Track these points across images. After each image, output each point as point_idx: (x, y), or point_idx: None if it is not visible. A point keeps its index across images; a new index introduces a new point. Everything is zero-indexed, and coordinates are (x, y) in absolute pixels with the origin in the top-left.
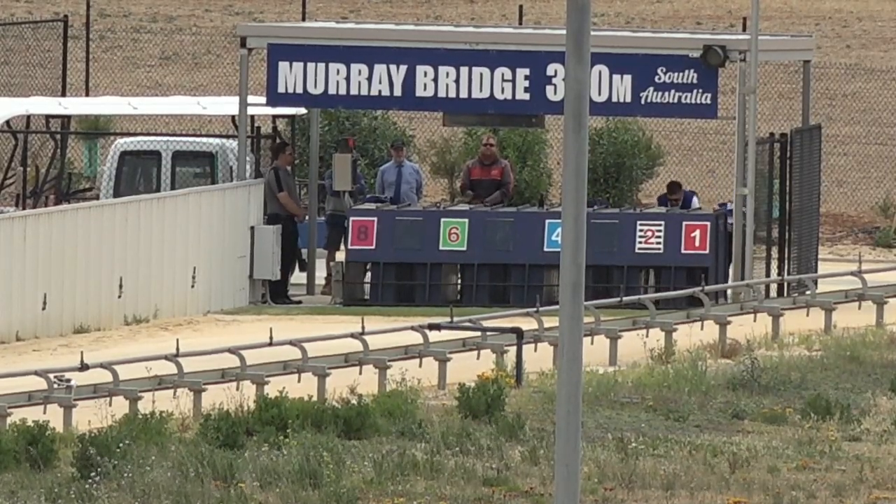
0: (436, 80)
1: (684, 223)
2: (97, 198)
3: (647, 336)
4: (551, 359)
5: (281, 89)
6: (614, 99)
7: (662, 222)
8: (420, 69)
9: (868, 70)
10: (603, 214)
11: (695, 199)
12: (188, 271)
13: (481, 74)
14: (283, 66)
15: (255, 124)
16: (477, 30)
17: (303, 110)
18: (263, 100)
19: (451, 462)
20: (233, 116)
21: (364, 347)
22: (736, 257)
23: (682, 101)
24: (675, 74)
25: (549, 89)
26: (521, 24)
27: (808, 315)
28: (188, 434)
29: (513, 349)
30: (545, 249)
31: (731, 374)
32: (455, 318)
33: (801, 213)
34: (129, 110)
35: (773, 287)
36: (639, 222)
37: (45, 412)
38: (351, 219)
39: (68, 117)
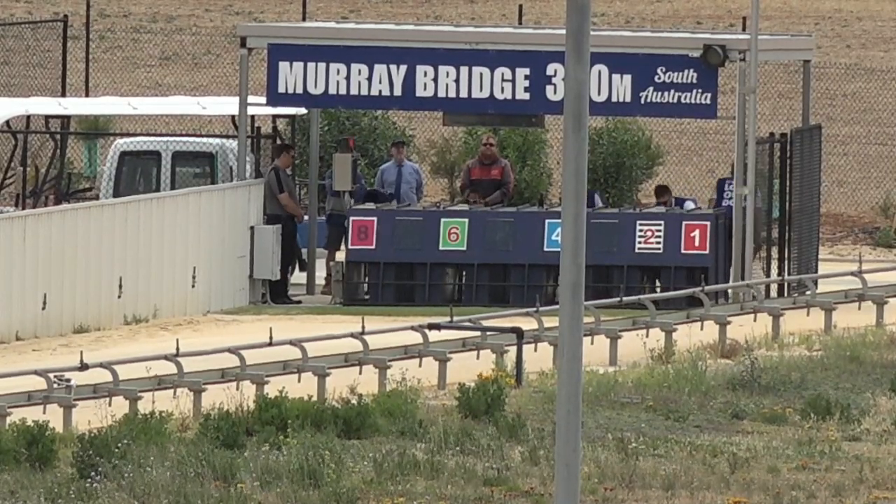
0: (436, 79)
1: (684, 223)
2: (97, 198)
3: (647, 336)
4: (551, 359)
5: (281, 89)
6: (614, 99)
7: (662, 222)
8: (420, 69)
9: (868, 70)
10: (603, 214)
11: (688, 204)
12: (188, 271)
13: (481, 74)
14: (283, 66)
15: (255, 124)
16: (477, 30)
17: (303, 110)
18: (263, 100)
19: (451, 462)
20: (233, 116)
21: (364, 347)
22: (736, 257)
23: (682, 100)
24: (675, 74)
25: (549, 89)
26: (520, 23)
27: (808, 315)
28: (188, 434)
29: (513, 349)
30: (545, 249)
31: (731, 375)
32: (455, 318)
33: (801, 213)
34: (129, 110)
35: (774, 287)
36: (638, 222)
37: (44, 412)
38: (351, 219)
39: (68, 117)
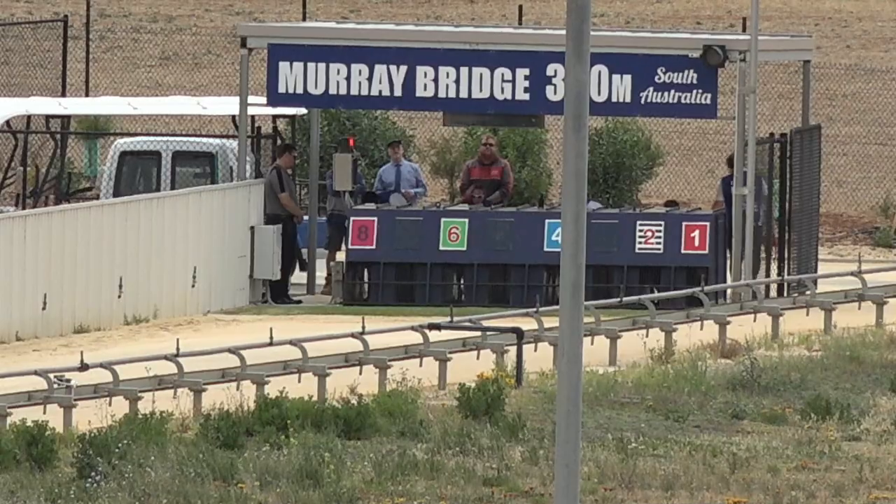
0: (436, 80)
1: (684, 223)
2: (97, 198)
3: (647, 336)
4: (551, 359)
5: (281, 89)
6: (614, 99)
7: (662, 222)
8: (420, 69)
9: (868, 70)
10: (603, 214)
11: None
12: (188, 271)
13: (481, 74)
14: (283, 66)
15: (256, 124)
16: (477, 30)
17: (303, 110)
18: (264, 100)
19: (451, 462)
20: (233, 116)
21: (364, 347)
22: (735, 257)
23: (682, 101)
24: (675, 74)
25: (549, 89)
26: (520, 24)
27: (807, 315)
28: (188, 434)
29: (513, 349)
30: (545, 249)
31: (731, 375)
32: (455, 318)
33: (801, 213)
34: (129, 110)
35: (773, 287)
36: (639, 222)
37: (45, 412)
38: (351, 219)
39: (68, 117)
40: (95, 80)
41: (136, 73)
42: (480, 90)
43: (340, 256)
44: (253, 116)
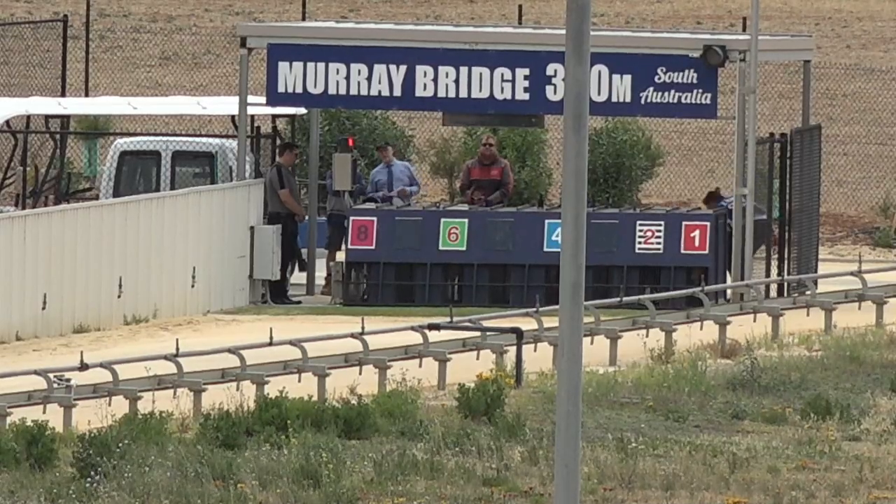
0: (436, 80)
1: (684, 223)
2: (97, 198)
3: (647, 336)
4: (551, 359)
5: (281, 89)
6: (614, 99)
7: (662, 222)
8: (420, 69)
9: (868, 70)
10: (603, 214)
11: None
12: (188, 271)
13: (481, 74)
14: (283, 66)
15: (255, 124)
16: (477, 30)
17: (303, 110)
18: (263, 100)
19: (451, 462)
20: (233, 116)
21: (364, 347)
22: (735, 257)
23: (682, 101)
24: (675, 74)
25: (549, 89)
26: (520, 24)
27: (808, 315)
28: (188, 434)
29: (513, 349)
30: (545, 249)
31: (731, 375)
32: (455, 318)
33: (801, 213)
34: (129, 110)
35: (773, 287)
36: (638, 222)
37: (44, 412)
38: (351, 219)
39: (68, 117)
40: (95, 80)
41: (135, 73)
42: (480, 90)
43: (340, 256)
44: (252, 116)
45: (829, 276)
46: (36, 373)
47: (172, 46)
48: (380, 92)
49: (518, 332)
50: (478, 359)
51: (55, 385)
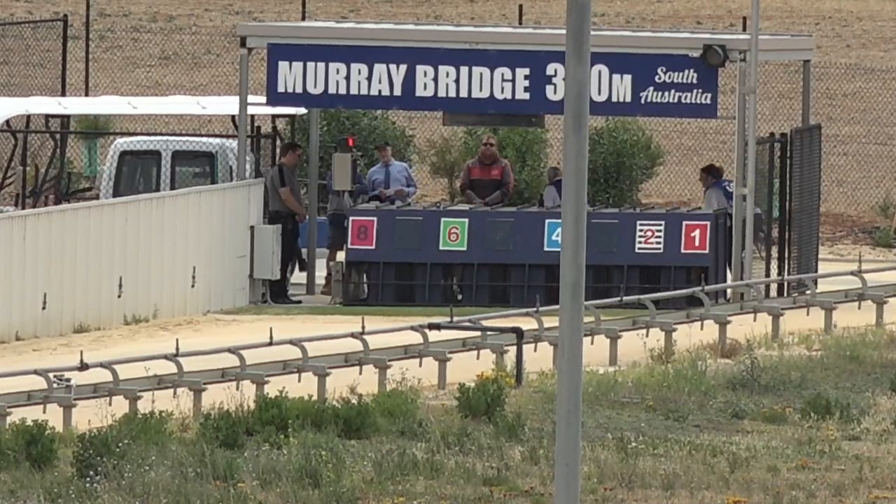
0: (436, 79)
1: (684, 223)
2: (97, 198)
3: (647, 336)
4: (551, 359)
5: (281, 89)
6: (614, 99)
7: (662, 222)
8: (420, 69)
9: (868, 70)
10: (603, 214)
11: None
12: (188, 271)
13: (481, 74)
14: (282, 65)
15: (255, 124)
16: (477, 29)
17: (303, 110)
18: (263, 100)
19: (451, 462)
20: (233, 116)
21: (364, 347)
22: (735, 257)
23: (682, 100)
24: (675, 74)
25: (549, 89)
26: (520, 23)
27: (807, 315)
28: (188, 434)
29: (513, 349)
30: (545, 249)
31: (731, 374)
32: (455, 318)
33: (801, 213)
34: (129, 110)
35: (773, 287)
36: (639, 222)
37: (44, 412)
38: (351, 219)
39: (68, 117)
40: (95, 80)
41: (135, 72)
42: (480, 90)
43: (340, 256)
44: (252, 116)
45: (829, 275)
46: (36, 372)
47: (172, 46)
48: (380, 92)
49: (518, 332)
50: (478, 358)
51: (55, 385)
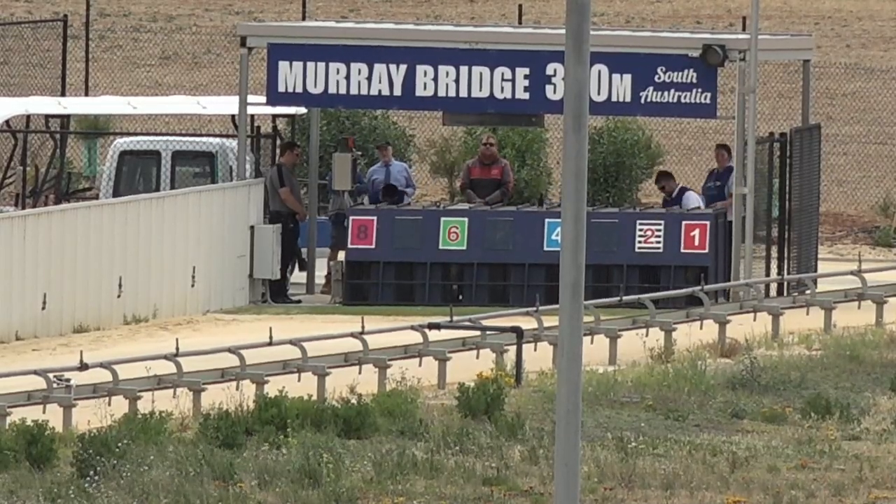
0: (436, 79)
1: (684, 223)
2: (97, 198)
3: (646, 336)
4: (551, 359)
5: (281, 89)
6: (614, 98)
7: (662, 222)
8: (420, 68)
9: (868, 70)
10: (603, 214)
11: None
12: (188, 271)
13: (481, 74)
14: (283, 65)
15: (255, 124)
16: (477, 29)
17: (303, 110)
18: (263, 99)
19: (451, 462)
20: (233, 116)
21: (364, 347)
22: (735, 257)
23: (682, 100)
24: (675, 74)
25: (549, 88)
26: (520, 23)
27: (807, 314)
28: (187, 434)
29: (513, 349)
30: (545, 249)
31: (731, 374)
32: (455, 318)
33: (800, 213)
34: (129, 110)
35: (773, 286)
36: (638, 222)
37: (44, 412)
38: (351, 218)
39: (68, 117)
40: (95, 80)
41: (135, 72)
42: (480, 89)
43: (341, 256)
44: (252, 116)
45: (829, 275)
46: (36, 373)
47: (172, 46)
48: (380, 91)
49: (518, 332)
50: (478, 358)
51: (55, 385)
